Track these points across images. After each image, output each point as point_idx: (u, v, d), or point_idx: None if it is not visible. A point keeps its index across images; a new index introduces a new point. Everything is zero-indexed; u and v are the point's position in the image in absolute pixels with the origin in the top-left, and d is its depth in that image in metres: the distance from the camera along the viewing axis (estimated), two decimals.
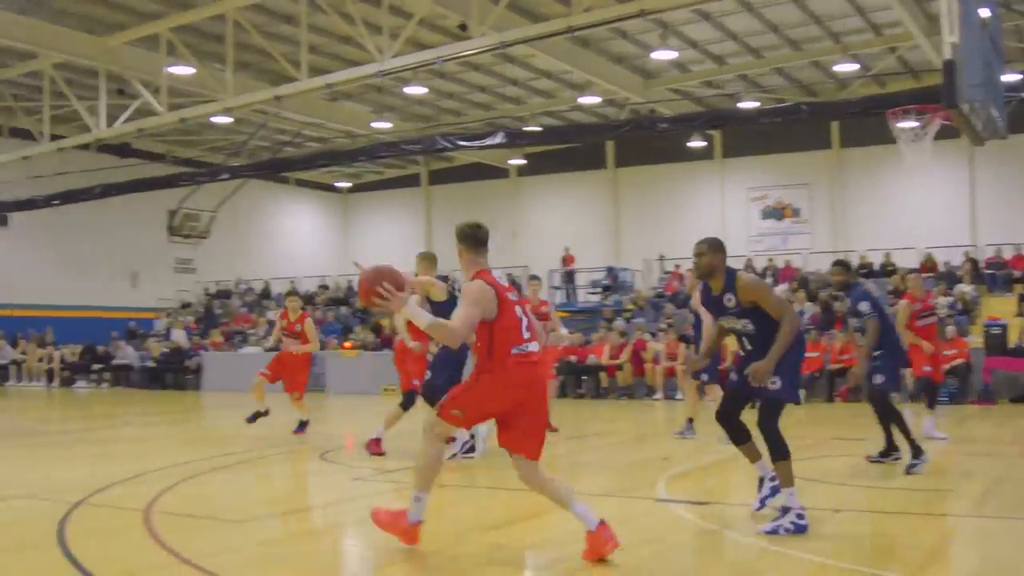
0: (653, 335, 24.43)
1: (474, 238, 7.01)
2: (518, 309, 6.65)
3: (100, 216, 34.56)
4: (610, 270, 33.27)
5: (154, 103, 26.28)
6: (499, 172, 39.91)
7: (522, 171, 39.69)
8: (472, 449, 11.01)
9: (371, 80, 25.05)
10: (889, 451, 10.53)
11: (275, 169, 33.30)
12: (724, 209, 35.52)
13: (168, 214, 34.21)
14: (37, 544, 6.87)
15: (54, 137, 29.72)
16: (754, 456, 7.73)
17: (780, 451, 7.26)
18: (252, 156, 35.91)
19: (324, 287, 36.13)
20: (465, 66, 28.49)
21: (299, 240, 43.08)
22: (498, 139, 24.24)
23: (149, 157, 34.05)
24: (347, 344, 28.22)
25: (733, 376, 7.77)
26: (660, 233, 35.20)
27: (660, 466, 10.54)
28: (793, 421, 17.27)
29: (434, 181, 42.30)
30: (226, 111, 26.62)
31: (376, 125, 33.06)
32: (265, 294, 36.76)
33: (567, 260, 33.45)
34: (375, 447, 11.42)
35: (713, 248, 7.44)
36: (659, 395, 22.68)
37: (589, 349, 24.29)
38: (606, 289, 32.38)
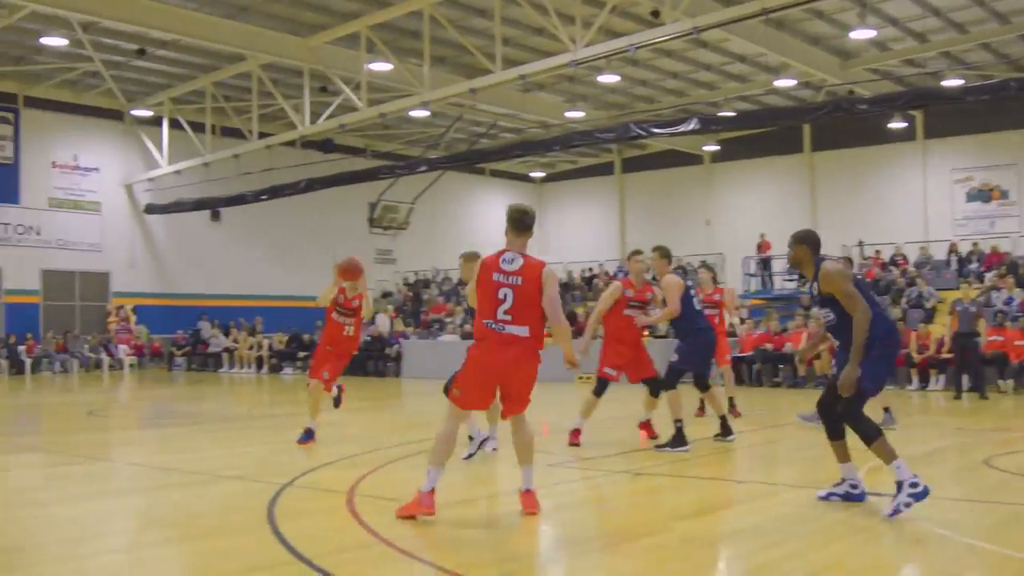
0: None
1: (520, 222, 7.58)
2: (502, 291, 7.22)
3: (305, 209, 35.93)
4: None
5: (355, 99, 27.15)
6: (693, 159, 39.56)
7: (716, 157, 39.25)
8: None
9: (564, 70, 25.21)
10: None
11: (471, 160, 33.86)
12: (926, 192, 34.33)
13: (368, 206, 35.17)
14: (248, 524, 7.21)
15: (262, 135, 31.07)
16: (843, 456, 7.69)
17: (869, 433, 7.28)
18: (449, 148, 36.66)
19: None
20: (658, 53, 28.37)
21: (495, 230, 43.56)
22: (692, 125, 24.05)
23: (350, 151, 35.16)
24: (544, 332, 28.49)
25: (834, 369, 7.72)
26: (859, 218, 34.27)
27: (858, 457, 10.32)
28: (997, 412, 16.65)
29: (627, 169, 42.24)
30: (423, 105, 27.31)
31: (569, 114, 33.23)
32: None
33: (763, 247, 32.89)
34: (574, 438, 11.47)
35: (799, 240, 7.68)
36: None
37: (785, 337, 23.87)
38: (803, 276, 31.66)
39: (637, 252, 11.71)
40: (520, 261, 7.36)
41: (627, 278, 11.74)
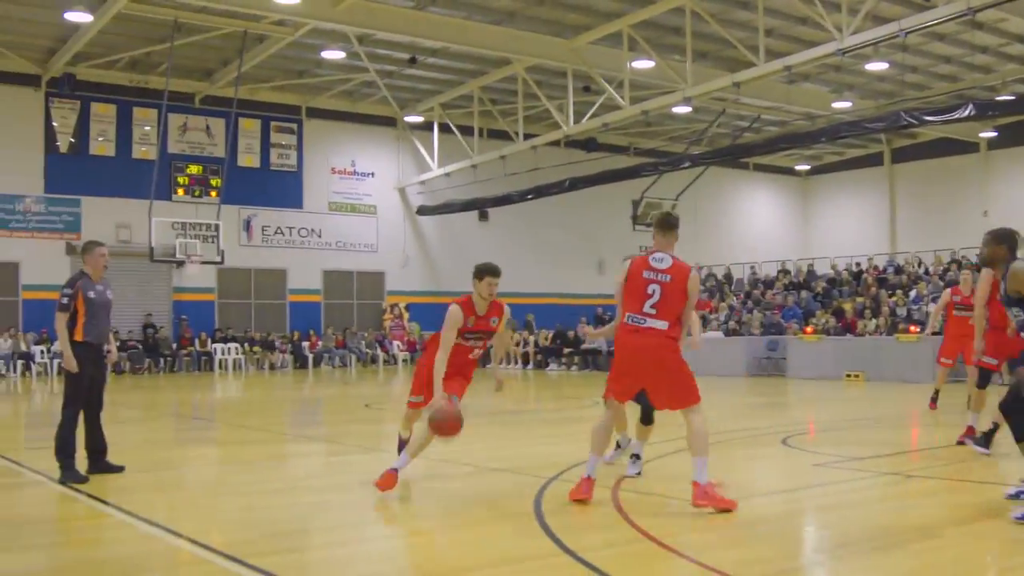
0: None
1: (664, 223, 7.95)
2: (651, 287, 7.58)
3: (569, 208, 36.48)
4: None
5: (617, 98, 27.40)
6: (968, 147, 37.78)
7: (993, 144, 37.34)
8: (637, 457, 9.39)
9: (830, 59, 24.67)
10: None
11: (735, 155, 33.56)
12: None
13: (632, 204, 35.37)
14: (517, 514, 7.39)
15: (527, 136, 31.79)
16: None
17: (1020, 430, 7.04)
18: (711, 143, 36.38)
19: (784, 271, 35.83)
20: (929, 37, 27.29)
21: (758, 225, 43.09)
22: (967, 112, 23.07)
23: (613, 150, 35.50)
24: (808, 329, 27.92)
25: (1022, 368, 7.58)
26: None
27: None
28: None
29: (897, 159, 40.77)
30: (686, 101, 27.26)
31: (836, 105, 32.41)
32: (727, 279, 37.01)
33: None
34: (968, 433, 10.78)
35: (994, 239, 7.60)
36: None
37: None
38: None
39: None
40: (669, 260, 7.71)
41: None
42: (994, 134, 36.40)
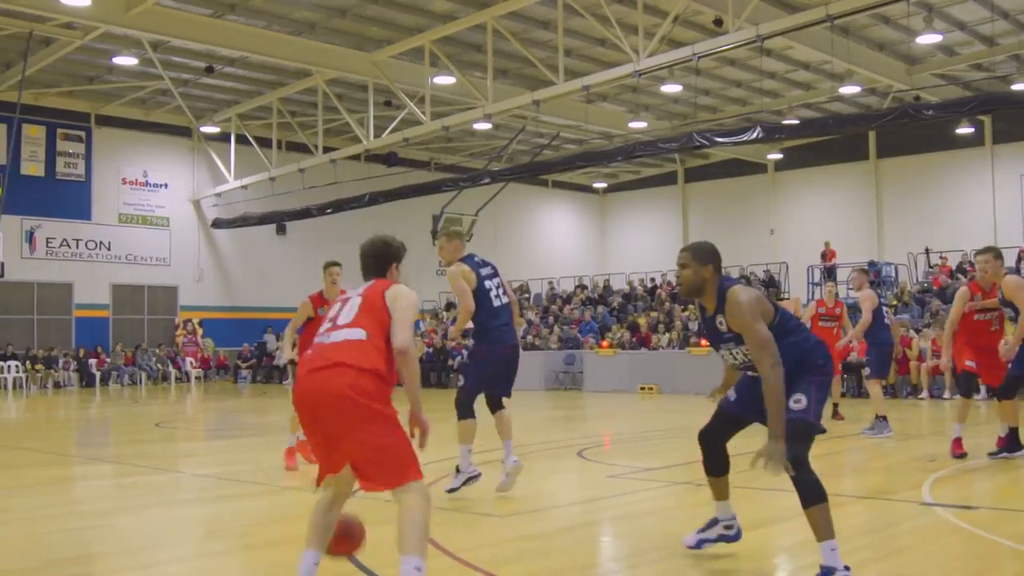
0: (918, 331, 23.53)
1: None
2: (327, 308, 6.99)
3: (369, 222, 36.00)
4: (872, 265, 32.17)
5: (419, 113, 27.36)
6: (757, 167, 39.35)
7: (780, 165, 39.01)
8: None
9: (627, 80, 25.24)
10: None
11: (534, 172, 33.98)
12: (995, 198, 33.84)
13: (432, 219, 35.34)
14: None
15: (327, 149, 31.41)
16: (722, 493, 6.48)
17: (813, 495, 5.57)
18: (511, 160, 36.76)
19: (582, 287, 36.50)
20: (721, 61, 28.30)
21: (557, 241, 43.77)
22: (755, 134, 24.00)
23: (414, 165, 35.47)
24: (604, 343, 28.47)
25: (731, 396, 6.23)
26: (925, 225, 33.84)
27: (926, 468, 10.20)
28: None
29: (690, 179, 42.14)
30: (486, 117, 27.43)
31: (633, 125, 33.22)
32: (526, 294, 37.42)
33: (828, 256, 32.57)
34: (957, 448, 10.77)
35: (699, 257, 5.80)
36: (924, 394, 21.84)
37: (850, 347, 23.57)
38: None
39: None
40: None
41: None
42: (781, 156, 38.03)
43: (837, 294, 16.31)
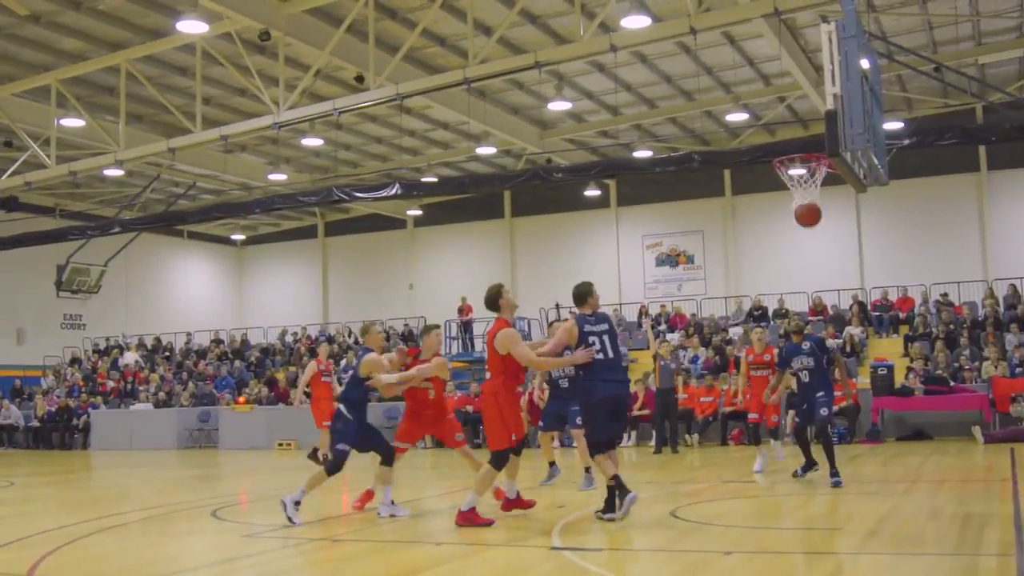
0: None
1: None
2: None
3: None
4: None
5: (43, 156, 25.84)
6: (396, 223, 39.93)
7: (419, 221, 39.77)
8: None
9: (267, 132, 24.93)
10: (809, 466, 13.15)
11: (168, 222, 32.84)
12: (620, 256, 36.03)
13: (56, 268, 33.36)
14: None
15: None
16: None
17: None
18: (145, 209, 35.35)
19: (218, 341, 35.59)
20: (362, 117, 28.53)
21: (193, 294, 42.45)
22: (394, 190, 24.37)
23: (37, 211, 33.30)
24: (241, 399, 27.83)
25: None
26: (557, 281, 35.15)
27: (555, 514, 10.54)
28: (684, 465, 17.48)
29: (331, 232, 42.14)
30: (118, 163, 26.23)
31: (272, 177, 32.90)
32: (155, 349, 36.06)
33: (464, 310, 33.41)
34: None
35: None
36: (555, 443, 22.72)
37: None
38: None
39: None
40: None
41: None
42: (420, 212, 38.71)
43: (768, 341, 16.05)
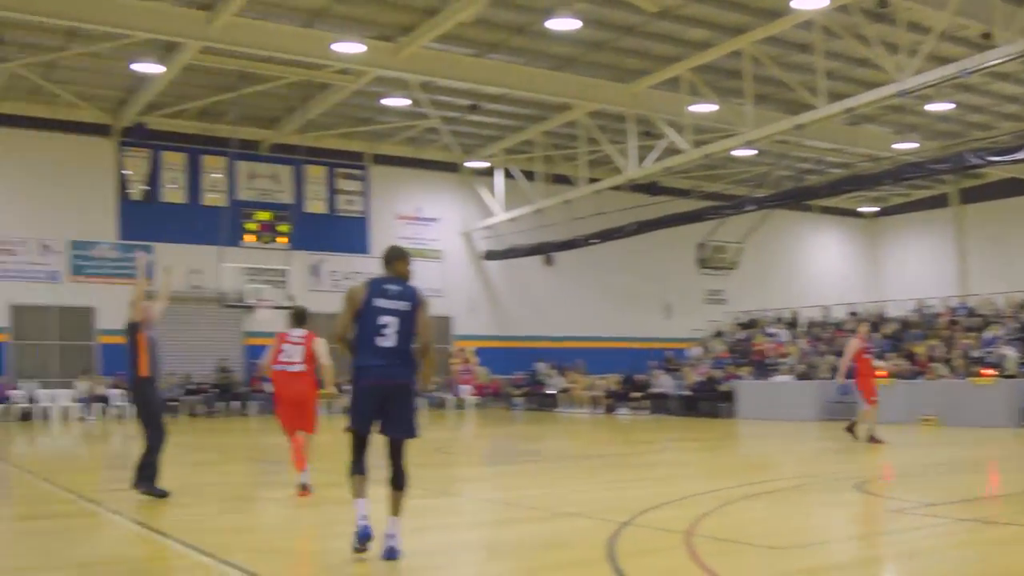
0: None
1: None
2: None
3: (634, 252, 36.44)
4: None
5: (679, 141, 27.46)
6: None
7: None
8: None
9: (892, 100, 24.52)
10: None
11: (799, 198, 33.30)
12: None
13: (697, 247, 35.19)
14: (588, 560, 7.34)
15: (590, 180, 31.95)
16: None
17: None
18: (775, 186, 36.16)
19: (854, 314, 35.41)
20: (992, 76, 26.96)
21: (825, 267, 42.74)
22: None
23: (676, 193, 35.45)
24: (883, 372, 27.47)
25: None
26: None
27: None
28: None
29: (965, 200, 40.21)
30: (748, 144, 27.26)
31: (899, 146, 32.18)
32: (793, 323, 36.65)
33: None
34: None
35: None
36: None
37: None
38: None
39: None
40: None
41: None
42: None
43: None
